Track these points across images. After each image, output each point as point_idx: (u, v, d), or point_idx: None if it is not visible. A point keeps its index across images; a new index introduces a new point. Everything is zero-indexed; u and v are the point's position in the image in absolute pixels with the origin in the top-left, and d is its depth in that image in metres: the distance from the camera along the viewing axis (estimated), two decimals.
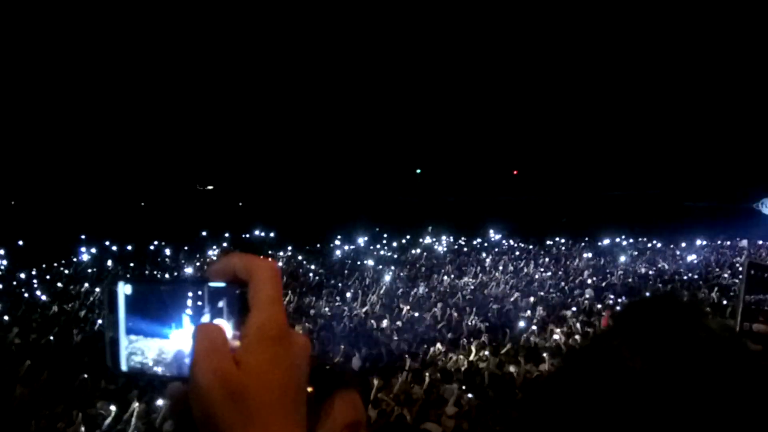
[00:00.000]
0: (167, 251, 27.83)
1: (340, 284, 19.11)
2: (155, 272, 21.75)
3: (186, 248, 27.72)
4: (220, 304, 0.67)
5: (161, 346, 0.69)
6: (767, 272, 2.05)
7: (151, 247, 29.19)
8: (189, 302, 0.68)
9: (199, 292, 0.68)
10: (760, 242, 34.62)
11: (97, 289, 17.42)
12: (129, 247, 28.72)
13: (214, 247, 27.93)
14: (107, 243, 29.27)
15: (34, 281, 19.63)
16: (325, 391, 1.15)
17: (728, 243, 33.70)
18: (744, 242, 33.56)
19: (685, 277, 19.93)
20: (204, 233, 32.79)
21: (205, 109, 71.01)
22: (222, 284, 0.68)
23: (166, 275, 21.14)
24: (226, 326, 0.66)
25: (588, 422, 0.62)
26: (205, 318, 0.67)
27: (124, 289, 0.71)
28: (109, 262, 24.42)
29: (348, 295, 16.99)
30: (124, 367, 0.71)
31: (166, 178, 62.05)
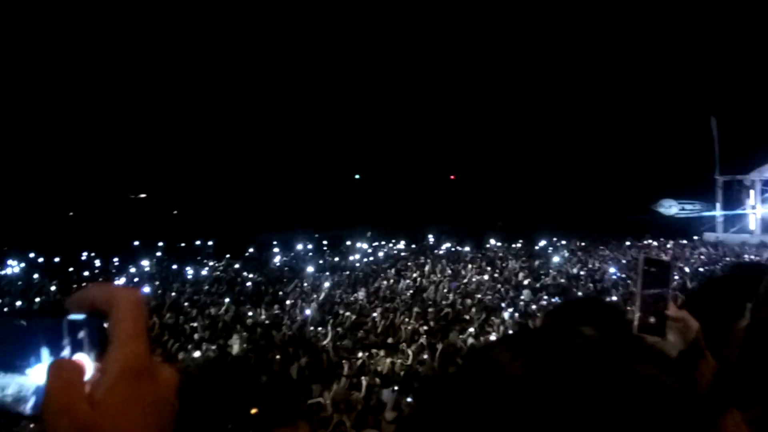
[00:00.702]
0: (97, 263, 26.87)
1: (279, 292, 18.92)
2: (81, 285, 20.91)
3: (117, 259, 26.85)
4: (81, 337, 0.63)
5: (20, 383, 0.64)
6: (661, 266, 2.18)
7: (81, 259, 28.13)
8: (48, 336, 0.64)
9: (59, 325, 0.64)
10: (684, 241, 36.51)
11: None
12: (57, 259, 27.60)
13: (148, 257, 27.19)
14: (33, 255, 28.09)
15: None
16: (274, 418, 1.14)
17: (655, 243, 35.27)
18: (670, 242, 35.29)
19: (614, 276, 20.68)
20: (136, 243, 31.86)
21: (136, 112, 69.04)
22: (82, 316, 0.64)
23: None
24: (87, 361, 0.62)
25: (466, 426, 0.64)
26: (65, 352, 0.63)
27: None
28: (36, 275, 23.40)
29: (287, 302, 16.85)
30: None
31: (96, 186, 59.92)
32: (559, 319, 1.92)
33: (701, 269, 21.88)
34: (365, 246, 32.52)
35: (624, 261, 25.77)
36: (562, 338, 0.67)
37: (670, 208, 46.08)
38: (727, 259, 26.02)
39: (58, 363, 0.62)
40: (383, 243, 34.08)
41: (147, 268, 25.33)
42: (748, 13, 56.37)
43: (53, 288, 19.29)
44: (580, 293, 17.61)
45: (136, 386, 0.60)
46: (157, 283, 21.39)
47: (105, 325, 0.64)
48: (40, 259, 27.80)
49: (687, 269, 21.33)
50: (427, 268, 23.60)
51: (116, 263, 26.35)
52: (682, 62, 61.82)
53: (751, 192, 40.33)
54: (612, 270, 22.31)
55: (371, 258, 28.28)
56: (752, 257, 26.40)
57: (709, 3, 58.61)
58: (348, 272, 23.18)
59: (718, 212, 41.60)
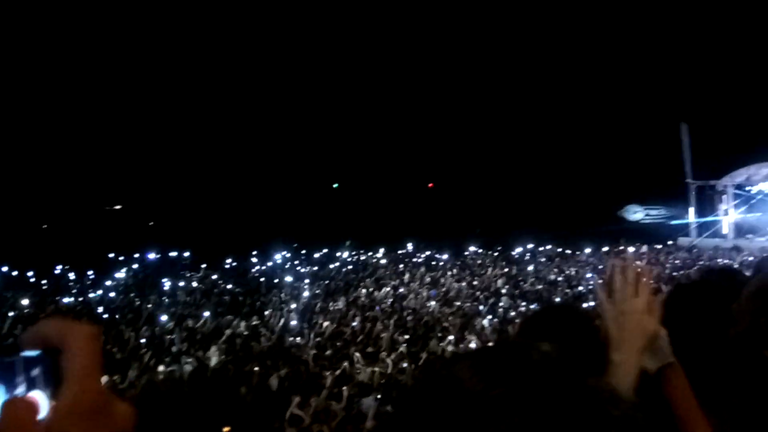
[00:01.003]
0: (72, 276, 26.40)
1: (258, 302, 18.79)
2: (58, 299, 20.54)
3: (92, 273, 26.40)
4: (35, 374, 0.61)
5: None
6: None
7: (55, 272, 27.59)
8: (2, 373, 0.62)
9: (13, 363, 0.62)
10: (659, 246, 36.99)
11: None
12: (30, 273, 27.05)
13: (123, 270, 26.83)
14: (6, 269, 27.54)
15: None
16: None
17: (631, 249, 35.68)
18: (644, 247, 35.71)
19: (591, 283, 20.87)
20: (112, 256, 31.39)
21: (110, 120, 68.24)
22: (36, 353, 0.62)
23: (71, 300, 20.13)
24: (42, 398, 0.60)
25: None
26: (20, 390, 0.61)
27: None
28: (8, 290, 22.91)
29: (266, 313, 16.74)
30: None
31: (70, 197, 59.02)
32: (531, 328, 1.94)
33: (675, 273, 22.20)
34: (344, 255, 32.43)
35: (600, 267, 26.05)
36: (519, 354, 0.69)
37: (636, 213, 46.58)
38: (701, 262, 26.44)
39: (11, 401, 0.60)
40: (362, 251, 33.99)
41: (122, 280, 25.00)
42: (717, 18, 57.65)
43: (26, 302, 18.92)
44: (558, 299, 17.78)
45: (91, 424, 0.59)
46: (132, 294, 21.12)
47: (56, 361, 0.62)
48: (14, 273, 27.23)
49: (662, 274, 21.63)
50: (406, 276, 23.62)
51: (91, 276, 25.92)
52: (654, 70, 62.95)
53: (724, 197, 40.97)
54: (589, 276, 22.54)
55: (350, 267, 28.21)
56: (725, 261, 26.85)
57: (678, 9, 59.82)
58: (327, 281, 23.11)
59: (691, 218, 42.17)
